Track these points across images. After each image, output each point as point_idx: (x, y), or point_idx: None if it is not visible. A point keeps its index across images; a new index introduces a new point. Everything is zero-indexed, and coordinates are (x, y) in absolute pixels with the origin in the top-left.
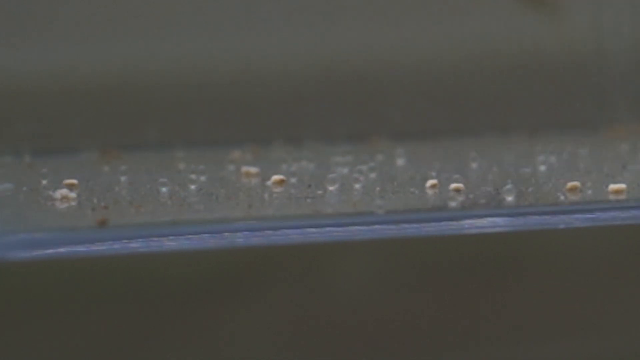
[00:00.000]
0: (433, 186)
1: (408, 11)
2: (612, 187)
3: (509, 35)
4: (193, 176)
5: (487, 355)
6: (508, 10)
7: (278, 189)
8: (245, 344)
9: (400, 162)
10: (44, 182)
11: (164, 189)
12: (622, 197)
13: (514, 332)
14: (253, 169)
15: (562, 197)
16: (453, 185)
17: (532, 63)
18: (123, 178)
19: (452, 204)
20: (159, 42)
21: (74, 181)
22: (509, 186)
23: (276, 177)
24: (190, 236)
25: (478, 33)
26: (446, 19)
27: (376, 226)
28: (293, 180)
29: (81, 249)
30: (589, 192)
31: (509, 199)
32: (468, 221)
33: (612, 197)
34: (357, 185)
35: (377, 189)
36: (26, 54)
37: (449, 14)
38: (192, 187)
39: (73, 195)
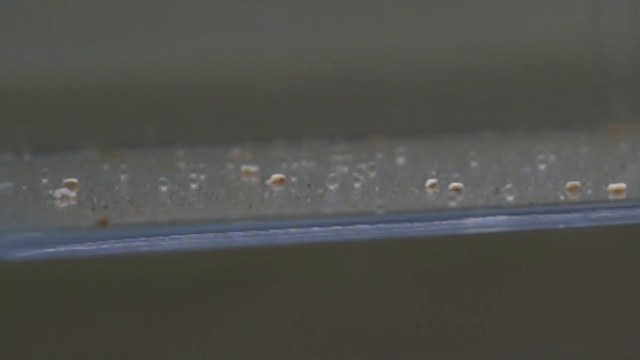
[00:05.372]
0: (433, 185)
1: (408, 10)
2: (612, 186)
3: (508, 34)
4: (193, 175)
5: (487, 355)
6: (508, 10)
7: (278, 188)
8: (245, 343)
9: (400, 160)
10: (44, 180)
11: (163, 188)
12: (621, 196)
13: (514, 332)
14: (253, 168)
15: (561, 197)
16: (453, 185)
17: (532, 62)
18: (123, 177)
19: (452, 203)
20: (159, 42)
21: (74, 180)
22: (508, 185)
23: (276, 176)
24: (190, 236)
25: (478, 32)
26: (446, 18)
27: (376, 226)
28: (293, 179)
29: (81, 248)
30: (589, 191)
31: (509, 198)
32: (468, 220)
33: (611, 196)
34: (357, 185)
35: (377, 188)
36: (26, 54)
37: (448, 13)
38: (192, 186)
39: (73, 194)
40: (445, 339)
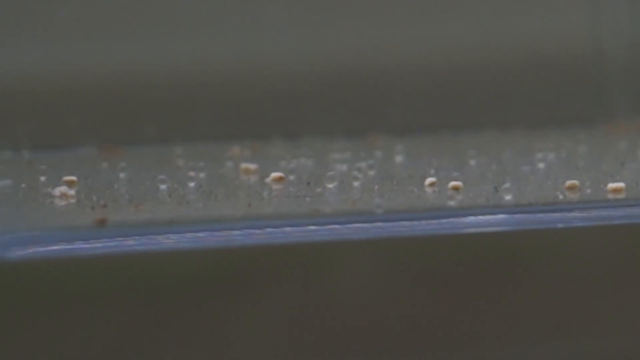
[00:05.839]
0: (432, 184)
1: (408, 9)
2: (611, 185)
3: (508, 34)
4: (192, 173)
5: (486, 354)
6: (508, 10)
7: (277, 187)
8: (244, 343)
9: (399, 159)
10: (43, 178)
11: (162, 187)
12: (620, 195)
13: (513, 331)
14: (252, 166)
15: (560, 196)
16: (452, 184)
17: (531, 60)
18: (122, 175)
19: (451, 202)
20: (159, 40)
21: (73, 178)
22: (507, 184)
23: (275, 175)
24: (189, 235)
25: (477, 30)
26: (445, 17)
27: (375, 225)
28: (292, 177)
29: (80, 247)
30: (588, 190)
31: (508, 197)
32: (466, 219)
33: (610, 196)
34: (356, 183)
35: (376, 186)
36: (26, 54)
37: (448, 12)
38: (191, 184)
39: (72, 192)
40: (444, 338)
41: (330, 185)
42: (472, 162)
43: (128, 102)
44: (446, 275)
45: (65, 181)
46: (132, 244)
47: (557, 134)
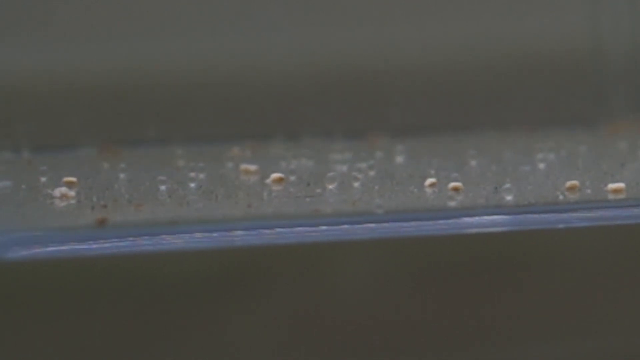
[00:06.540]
0: (432, 185)
1: (407, 9)
2: (611, 186)
3: (508, 33)
4: (192, 174)
5: (487, 355)
6: (508, 9)
7: (277, 187)
8: (245, 343)
9: (399, 159)
10: (43, 179)
11: (163, 187)
12: (621, 196)
13: (514, 332)
14: (252, 167)
15: (561, 196)
16: (452, 184)
17: (531, 60)
18: (122, 175)
19: (451, 203)
20: (159, 40)
21: (73, 179)
22: (508, 185)
23: (275, 175)
24: (189, 235)
25: (477, 30)
26: (445, 17)
27: (375, 225)
28: (292, 178)
29: (80, 247)
30: (588, 191)
31: (508, 197)
32: (467, 220)
33: (611, 196)
34: (356, 184)
35: (376, 187)
36: (26, 54)
37: (448, 12)
38: (192, 185)
39: (72, 193)
40: (444, 339)
41: (330, 186)
42: (472, 163)
43: (128, 102)
44: (446, 275)
45: (66, 182)
46: (132, 244)
47: (557, 134)
